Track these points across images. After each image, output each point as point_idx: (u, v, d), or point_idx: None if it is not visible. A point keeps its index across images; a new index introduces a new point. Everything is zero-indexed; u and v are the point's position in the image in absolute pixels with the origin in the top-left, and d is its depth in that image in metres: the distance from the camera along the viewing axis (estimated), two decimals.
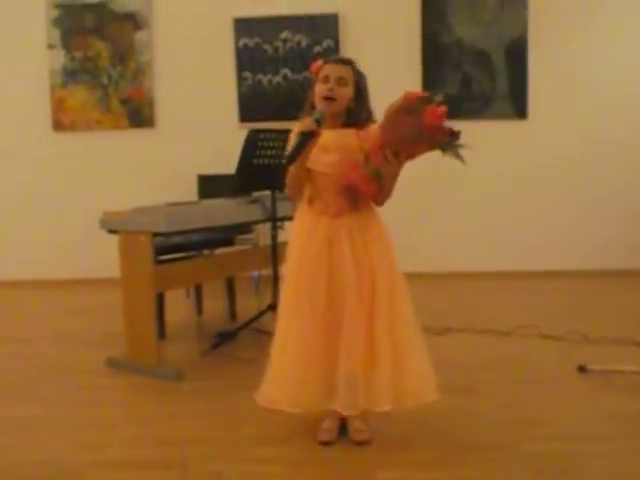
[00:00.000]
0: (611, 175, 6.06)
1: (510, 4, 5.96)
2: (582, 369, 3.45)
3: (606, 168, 6.05)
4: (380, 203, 2.70)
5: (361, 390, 2.59)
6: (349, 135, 2.62)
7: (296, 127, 2.62)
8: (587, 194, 6.09)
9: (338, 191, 2.60)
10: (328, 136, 2.57)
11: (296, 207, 2.80)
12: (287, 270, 2.74)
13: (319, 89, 2.59)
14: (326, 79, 2.59)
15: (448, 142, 2.43)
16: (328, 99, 2.57)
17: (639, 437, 2.79)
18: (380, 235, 2.72)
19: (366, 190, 2.57)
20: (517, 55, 6.01)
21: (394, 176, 2.58)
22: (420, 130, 2.40)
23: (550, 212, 6.12)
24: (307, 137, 2.44)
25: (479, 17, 6.01)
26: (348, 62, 2.67)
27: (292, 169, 2.57)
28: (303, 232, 2.68)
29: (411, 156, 2.53)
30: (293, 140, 2.55)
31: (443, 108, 2.40)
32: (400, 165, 2.55)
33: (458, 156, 2.45)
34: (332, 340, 2.61)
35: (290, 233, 2.80)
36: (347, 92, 2.60)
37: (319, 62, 2.67)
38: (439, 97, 2.43)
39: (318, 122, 2.48)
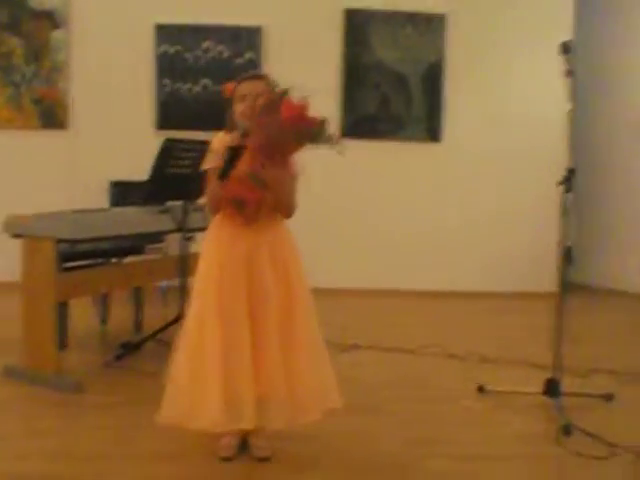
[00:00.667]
0: (515, 199, 6.28)
1: (429, 30, 6.13)
2: (481, 389, 3.55)
3: (512, 192, 6.28)
4: (285, 213, 2.68)
5: (285, 407, 2.59)
6: None
7: (215, 140, 2.62)
8: (492, 216, 6.29)
9: (228, 201, 2.59)
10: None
11: (209, 219, 2.77)
12: (200, 283, 2.69)
13: (238, 108, 2.60)
14: (243, 97, 2.60)
15: (316, 133, 2.42)
16: (248, 116, 2.57)
17: (536, 456, 2.89)
18: (292, 249, 2.74)
19: (250, 198, 2.56)
20: (433, 80, 6.18)
21: (281, 181, 2.56)
22: (281, 125, 2.39)
23: (457, 233, 6.29)
24: (235, 151, 2.45)
25: (399, 41, 6.15)
26: (262, 77, 2.69)
27: (215, 185, 2.55)
28: (222, 244, 2.65)
29: (284, 154, 2.51)
30: (224, 155, 2.52)
31: (301, 100, 2.40)
32: (280, 167, 2.53)
33: (331, 142, 2.42)
34: (245, 356, 2.58)
35: (203, 245, 2.76)
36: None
37: (232, 83, 2.68)
38: (287, 89, 2.45)
39: (243, 135, 2.49)
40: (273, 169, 2.51)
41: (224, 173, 2.46)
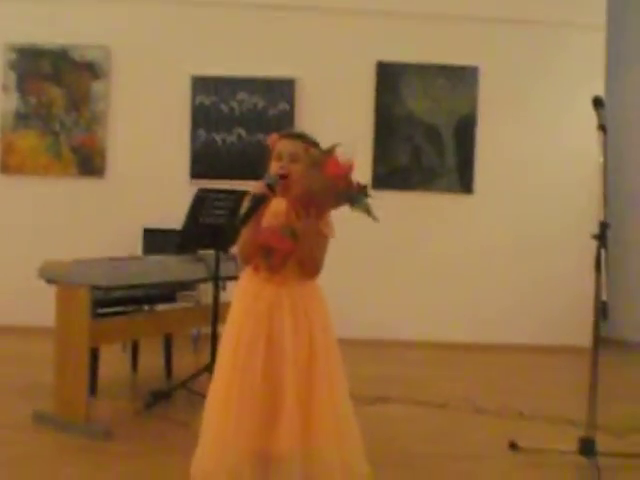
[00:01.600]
0: (549, 252, 6.23)
1: (461, 82, 6.20)
2: (513, 446, 3.48)
3: (545, 245, 6.23)
4: (310, 270, 2.65)
5: (300, 464, 2.54)
6: None
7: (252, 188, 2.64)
8: (530, 271, 6.23)
9: (257, 248, 2.59)
10: (281, 204, 2.60)
11: (241, 269, 2.78)
12: (226, 334, 2.70)
13: (273, 166, 2.62)
14: (279, 156, 2.61)
15: (355, 196, 2.44)
16: (281, 176, 2.61)
17: None
18: (319, 303, 2.70)
19: (279, 247, 2.55)
20: (465, 131, 6.22)
21: (312, 235, 2.55)
22: (323, 180, 2.43)
23: (493, 286, 6.24)
24: (258, 200, 2.47)
25: (431, 93, 6.21)
26: (300, 136, 2.69)
27: (245, 233, 2.57)
28: (247, 297, 2.65)
29: (321, 210, 2.52)
30: (247, 202, 2.56)
31: (348, 160, 2.43)
32: (313, 222, 2.53)
33: (368, 211, 2.45)
34: (268, 413, 2.56)
35: (233, 295, 2.78)
36: (300, 167, 2.62)
37: (275, 136, 2.70)
38: (335, 145, 2.47)
39: (270, 187, 2.51)
40: (306, 222, 2.53)
41: (244, 219, 2.48)
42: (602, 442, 3.25)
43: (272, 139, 2.70)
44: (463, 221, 6.25)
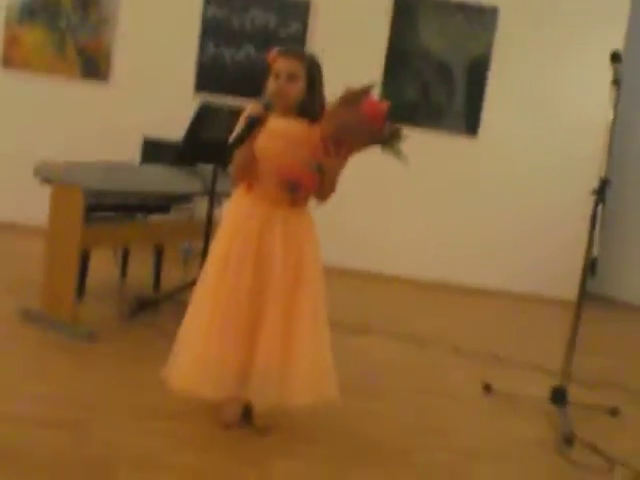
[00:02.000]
0: (547, 203, 6.21)
1: (479, 22, 6.05)
2: (487, 388, 3.55)
3: (544, 195, 6.21)
4: (323, 198, 2.69)
5: (275, 385, 2.60)
6: (299, 126, 2.62)
7: (248, 108, 2.61)
8: (522, 217, 6.23)
9: (278, 182, 2.59)
10: (278, 123, 2.58)
11: (234, 187, 2.78)
12: (215, 249, 2.72)
13: (270, 85, 2.60)
14: (277, 74, 2.59)
15: (388, 138, 2.45)
16: (278, 95, 2.57)
17: (533, 461, 2.90)
18: (310, 229, 2.74)
19: (308, 184, 2.58)
20: (477, 73, 6.11)
21: (336, 171, 2.58)
22: (359, 119, 2.41)
23: (487, 229, 6.24)
24: (253, 122, 2.45)
25: (447, 30, 6.08)
26: (300, 56, 2.66)
27: (238, 153, 2.56)
28: (237, 217, 2.67)
29: (351, 149, 2.53)
30: (240, 123, 2.54)
31: (384, 102, 2.44)
32: (342, 159, 2.55)
33: (398, 153, 2.46)
34: (252, 328, 2.61)
35: (223, 213, 2.78)
36: (297, 87, 2.61)
37: (275, 52, 2.64)
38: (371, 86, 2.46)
39: (266, 107, 2.49)
40: (335, 160, 2.51)
41: (236, 141, 2.47)
42: (574, 392, 3.33)
43: (271, 55, 2.65)
44: (465, 162, 6.21)
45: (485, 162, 6.21)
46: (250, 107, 2.53)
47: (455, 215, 6.23)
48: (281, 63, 2.60)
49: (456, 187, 6.19)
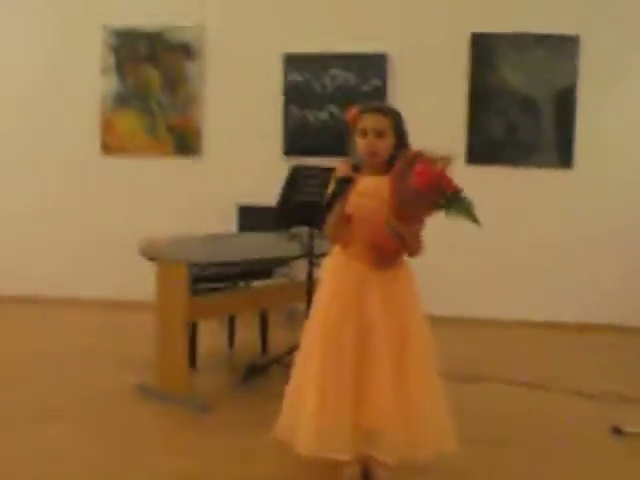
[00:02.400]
0: None
1: (561, 53, 5.95)
2: (617, 431, 3.36)
3: None
4: (412, 255, 2.66)
5: (400, 442, 2.55)
6: (385, 183, 2.56)
7: (338, 169, 2.62)
8: (628, 250, 5.96)
9: (367, 244, 2.59)
10: (369, 182, 2.58)
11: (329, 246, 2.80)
12: (315, 310, 2.72)
13: (359, 144, 2.60)
14: (364, 132, 2.59)
15: (447, 203, 2.32)
16: (370, 154, 2.58)
17: None
18: (410, 285, 2.70)
19: (387, 247, 2.55)
20: (565, 105, 5.97)
21: (412, 235, 2.54)
22: (411, 193, 2.33)
23: (590, 267, 6.00)
24: (343, 183, 2.47)
25: (528, 64, 6.00)
26: (384, 111, 2.65)
27: (332, 214, 2.57)
28: (335, 274, 2.67)
29: (417, 220, 2.48)
30: (331, 186, 2.56)
31: (438, 167, 2.31)
32: (414, 225, 2.51)
33: (467, 215, 2.31)
34: (346, 385, 2.57)
35: (322, 273, 2.79)
36: (386, 143, 2.60)
37: (354, 110, 2.65)
38: (446, 158, 2.33)
39: (355, 167, 2.50)
40: (406, 228, 2.48)
41: (329, 203, 2.49)
42: None
43: (350, 114, 2.66)
44: (561, 197, 6.02)
45: (584, 194, 6.00)
46: (339, 167, 2.54)
47: (556, 253, 6.02)
48: (367, 120, 2.60)
49: (554, 222, 6.00)
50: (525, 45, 5.98)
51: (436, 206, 2.35)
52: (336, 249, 2.73)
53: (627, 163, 5.97)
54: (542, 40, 5.96)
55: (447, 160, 2.36)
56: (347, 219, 2.61)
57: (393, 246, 2.53)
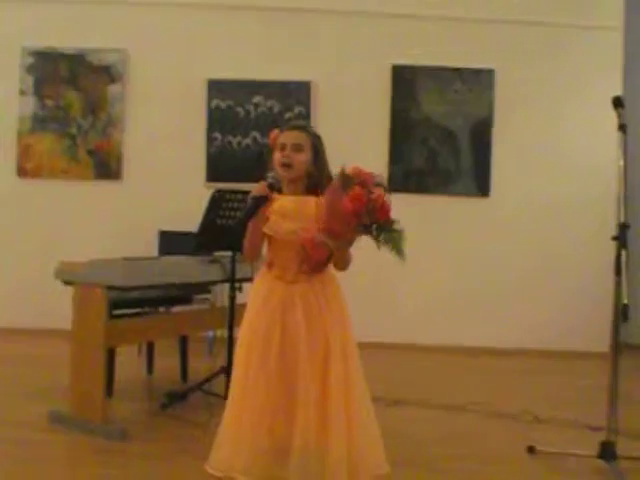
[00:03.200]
0: (568, 254, 6.17)
1: (477, 85, 6.17)
2: (532, 450, 3.44)
3: (562, 246, 6.18)
4: (339, 268, 2.67)
5: (315, 463, 2.52)
6: (308, 203, 2.58)
7: (255, 189, 2.62)
8: (542, 271, 6.18)
9: (297, 259, 2.55)
10: (288, 203, 2.57)
11: (255, 270, 2.78)
12: (241, 334, 2.70)
13: (276, 157, 2.59)
14: (283, 146, 2.59)
15: (378, 230, 2.31)
16: (285, 165, 2.57)
17: None
18: (336, 301, 2.67)
19: (316, 256, 2.50)
20: (482, 134, 6.19)
21: (341, 247, 2.51)
22: (342, 211, 2.29)
23: (511, 290, 6.19)
24: (258, 201, 2.45)
25: (447, 96, 6.19)
26: (303, 127, 2.68)
27: (247, 233, 2.56)
28: (259, 297, 2.64)
29: (344, 236, 2.42)
30: (248, 203, 2.54)
31: (375, 194, 2.29)
32: (344, 244, 2.48)
33: (395, 249, 2.32)
34: (286, 408, 2.55)
35: (248, 296, 2.77)
36: (304, 157, 2.59)
37: (276, 131, 2.68)
38: (378, 179, 2.32)
39: (272, 186, 2.49)
40: (337, 243, 2.45)
41: (242, 221, 2.47)
42: (623, 446, 3.21)
43: (273, 135, 2.68)
44: (480, 224, 6.21)
45: (499, 221, 6.21)
46: (255, 187, 2.54)
47: (476, 276, 6.18)
48: (285, 136, 2.61)
49: (473, 248, 6.17)
50: (444, 77, 6.18)
51: (364, 231, 2.34)
52: (262, 271, 2.70)
53: (539, 189, 6.21)
54: (460, 73, 6.17)
55: (384, 186, 2.35)
56: (268, 240, 2.61)
57: (321, 255, 2.50)
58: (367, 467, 2.58)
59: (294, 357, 2.55)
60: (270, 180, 2.49)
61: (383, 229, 2.31)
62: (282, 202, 2.56)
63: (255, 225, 2.53)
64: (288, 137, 2.60)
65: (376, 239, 2.33)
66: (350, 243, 2.52)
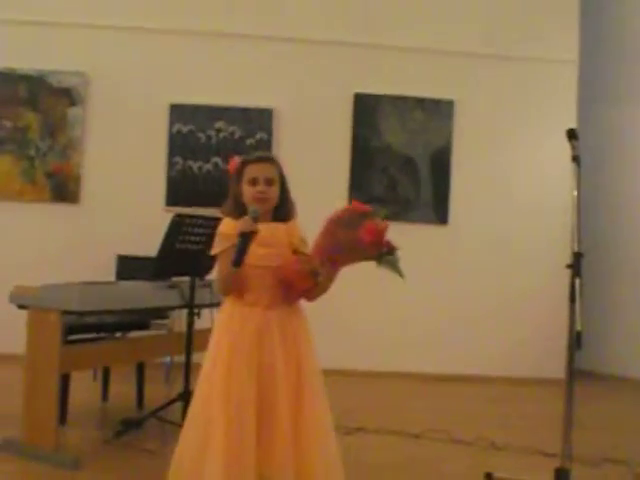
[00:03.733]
0: (524, 282, 6.28)
1: (437, 115, 6.28)
2: (489, 476, 3.46)
3: (519, 276, 6.29)
4: (312, 299, 2.67)
5: None
6: (279, 229, 2.64)
7: (223, 226, 2.62)
8: (500, 300, 6.27)
9: (273, 284, 2.59)
10: (262, 231, 2.59)
11: (218, 296, 2.77)
12: (209, 362, 2.64)
13: (249, 191, 2.60)
14: (254, 181, 2.60)
15: (383, 257, 2.52)
16: (261, 200, 2.59)
17: None
18: (304, 328, 2.70)
19: (301, 286, 2.57)
20: (441, 163, 6.29)
21: (330, 278, 2.59)
22: (355, 243, 2.48)
23: (467, 317, 6.26)
24: (248, 237, 2.46)
25: (407, 125, 6.28)
26: (270, 159, 2.70)
27: (229, 270, 2.51)
28: (233, 323, 2.60)
29: (344, 263, 2.58)
30: (237, 242, 2.48)
31: (383, 224, 2.49)
32: (335, 271, 2.58)
33: (395, 269, 2.53)
34: (250, 437, 2.50)
35: (215, 324, 2.74)
36: (276, 190, 2.64)
37: (236, 160, 2.68)
38: (383, 212, 2.54)
39: (255, 219, 2.51)
40: (329, 270, 2.56)
41: (239, 260, 2.45)
42: (577, 473, 3.24)
43: (233, 163, 2.69)
44: (438, 251, 6.29)
45: (458, 249, 6.31)
46: (241, 223, 2.51)
47: (434, 303, 6.24)
48: (256, 169, 2.62)
49: (431, 276, 6.23)
50: (405, 107, 6.28)
51: (370, 258, 2.52)
52: (229, 300, 2.67)
53: (497, 218, 6.32)
54: (421, 103, 6.28)
55: (385, 219, 2.53)
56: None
57: (306, 284, 2.55)
58: None
59: (272, 385, 2.54)
60: (253, 215, 2.50)
61: (387, 256, 2.53)
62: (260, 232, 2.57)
63: (239, 270, 2.51)
64: (259, 170, 2.62)
65: (379, 264, 2.52)
66: (339, 269, 2.60)
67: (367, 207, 2.55)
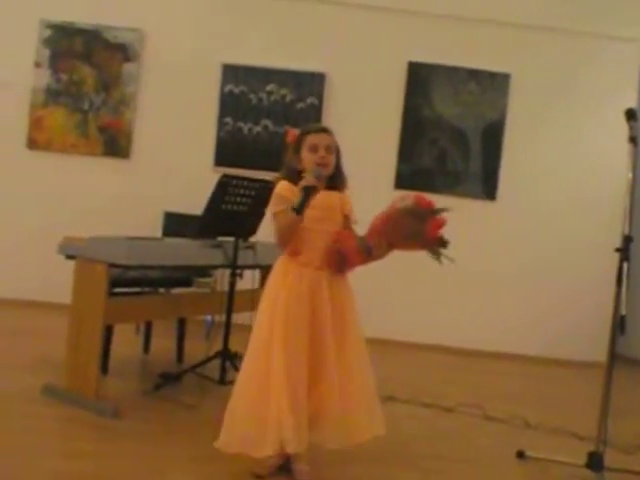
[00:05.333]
0: (570, 264, 6.18)
1: (492, 88, 6.16)
2: (521, 455, 3.45)
3: (571, 257, 6.18)
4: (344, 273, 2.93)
5: (344, 429, 2.75)
6: (333, 196, 2.87)
7: (281, 187, 2.79)
8: (550, 281, 6.19)
9: (327, 251, 2.79)
10: (318, 196, 2.75)
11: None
12: (265, 315, 2.79)
13: (310, 158, 2.79)
14: (315, 147, 2.80)
15: (436, 249, 2.69)
16: (322, 165, 2.78)
17: None
18: (350, 296, 2.94)
19: (354, 261, 2.80)
20: (493, 138, 6.18)
21: (379, 258, 2.82)
22: (419, 235, 2.66)
23: (511, 295, 6.20)
24: (310, 190, 2.65)
25: (461, 97, 6.18)
26: (329, 132, 2.88)
27: (286, 220, 2.71)
28: (289, 277, 2.80)
29: (400, 249, 2.78)
30: (297, 195, 2.68)
31: (444, 219, 2.66)
32: (387, 252, 2.79)
33: (438, 259, 2.70)
34: (304, 382, 2.71)
35: (269, 280, 2.88)
36: (333, 159, 2.84)
37: (295, 131, 2.88)
38: (445, 210, 2.68)
39: (317, 178, 2.69)
40: (382, 250, 2.78)
41: (300, 209, 2.64)
42: (610, 458, 3.22)
43: (292, 134, 2.90)
44: (484, 227, 6.21)
45: (505, 226, 6.22)
46: (305, 179, 2.69)
47: (479, 279, 6.18)
48: (317, 138, 2.82)
49: (477, 251, 6.16)
50: (459, 78, 6.17)
51: (425, 249, 2.71)
52: (283, 258, 2.87)
53: (546, 198, 6.21)
54: (475, 75, 6.16)
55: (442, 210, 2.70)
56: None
57: (358, 259, 2.79)
58: (367, 426, 2.88)
59: (320, 334, 2.77)
60: (316, 174, 2.69)
61: (441, 246, 2.72)
62: (319, 196, 2.75)
63: (299, 218, 2.69)
64: (319, 139, 2.82)
65: (433, 255, 2.72)
66: (389, 253, 2.83)
67: (434, 203, 2.69)
